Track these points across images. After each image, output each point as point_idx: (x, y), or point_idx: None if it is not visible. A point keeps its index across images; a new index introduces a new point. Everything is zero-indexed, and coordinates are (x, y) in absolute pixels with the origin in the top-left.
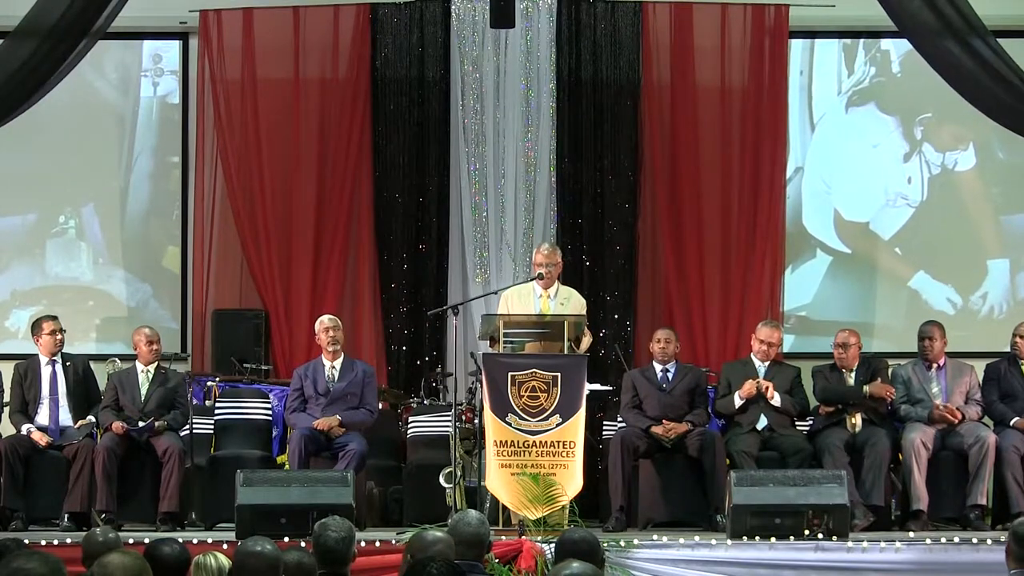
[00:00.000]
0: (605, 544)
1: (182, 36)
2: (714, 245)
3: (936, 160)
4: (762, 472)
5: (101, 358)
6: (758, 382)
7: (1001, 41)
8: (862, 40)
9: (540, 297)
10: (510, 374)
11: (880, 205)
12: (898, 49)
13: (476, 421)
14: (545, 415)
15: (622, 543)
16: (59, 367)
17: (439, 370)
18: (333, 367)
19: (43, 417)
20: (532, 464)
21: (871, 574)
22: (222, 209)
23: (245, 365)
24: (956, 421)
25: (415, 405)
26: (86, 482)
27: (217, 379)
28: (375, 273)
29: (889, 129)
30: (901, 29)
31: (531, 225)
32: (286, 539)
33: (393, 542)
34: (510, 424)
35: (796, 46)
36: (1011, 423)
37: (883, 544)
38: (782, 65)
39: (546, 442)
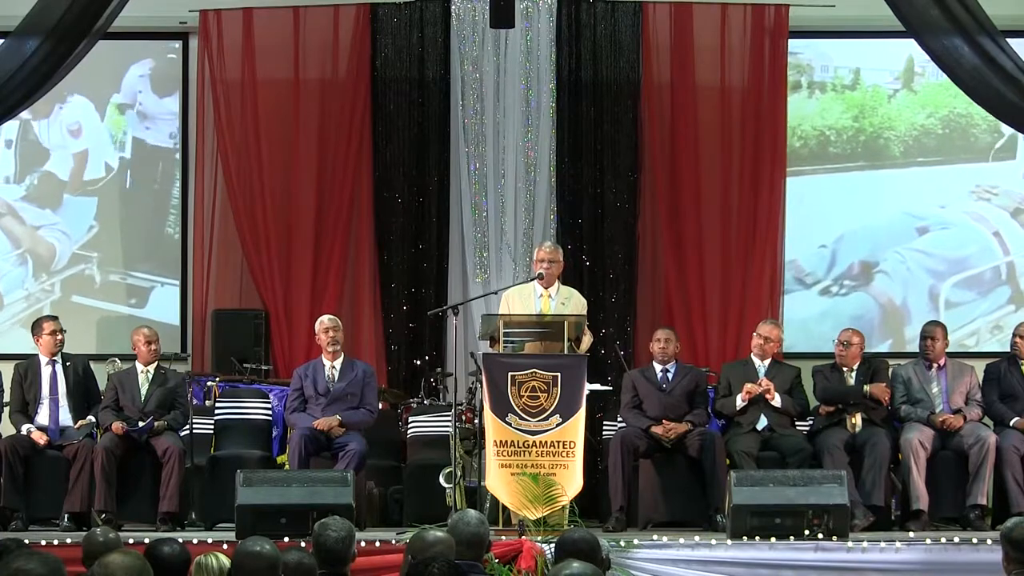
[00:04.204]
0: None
1: (182, 36)
2: (714, 245)
3: None
4: (762, 472)
5: (101, 358)
6: (760, 383)
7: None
8: None
9: (541, 297)
10: (510, 374)
11: None
12: None
13: (476, 421)
14: (545, 415)
15: (622, 543)
16: (59, 367)
17: (439, 370)
18: (333, 367)
19: (43, 417)
20: (532, 464)
21: (871, 574)
22: (222, 209)
23: (245, 365)
24: (958, 427)
25: (415, 405)
26: (86, 482)
27: (217, 379)
28: (375, 273)
29: None
30: (907, 27)
31: (531, 225)
32: (286, 539)
33: (393, 542)
34: (510, 424)
35: None
36: (1011, 423)
37: (883, 544)
38: (782, 65)
39: (546, 442)
